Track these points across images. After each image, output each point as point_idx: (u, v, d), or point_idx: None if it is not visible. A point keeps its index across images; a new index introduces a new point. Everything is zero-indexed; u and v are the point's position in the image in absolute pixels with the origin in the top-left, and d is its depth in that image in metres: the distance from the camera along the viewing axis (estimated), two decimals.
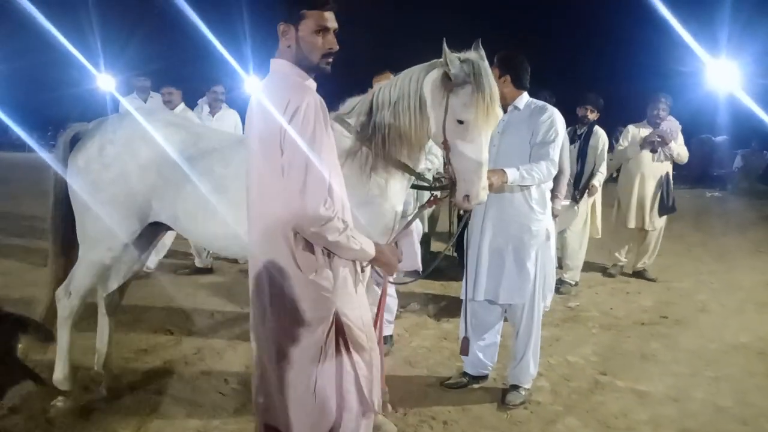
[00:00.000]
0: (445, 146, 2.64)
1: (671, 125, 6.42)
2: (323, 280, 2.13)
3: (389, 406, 3.34)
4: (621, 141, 6.74)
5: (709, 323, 5.22)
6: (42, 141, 23.95)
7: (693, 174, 17.22)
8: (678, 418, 3.44)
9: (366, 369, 2.29)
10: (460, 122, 2.58)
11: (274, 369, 2.18)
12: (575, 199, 5.99)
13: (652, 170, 6.50)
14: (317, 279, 2.11)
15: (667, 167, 6.54)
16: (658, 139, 6.34)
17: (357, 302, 2.26)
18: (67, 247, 3.24)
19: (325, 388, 2.17)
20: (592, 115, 6.16)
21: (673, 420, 3.42)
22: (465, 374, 3.79)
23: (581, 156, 6.08)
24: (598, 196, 6.33)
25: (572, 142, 6.05)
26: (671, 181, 6.58)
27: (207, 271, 6.45)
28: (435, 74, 2.67)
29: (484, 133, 2.61)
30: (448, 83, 2.62)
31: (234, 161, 2.91)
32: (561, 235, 6.09)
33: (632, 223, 6.62)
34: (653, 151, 6.40)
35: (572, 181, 5.92)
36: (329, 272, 2.14)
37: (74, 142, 3.17)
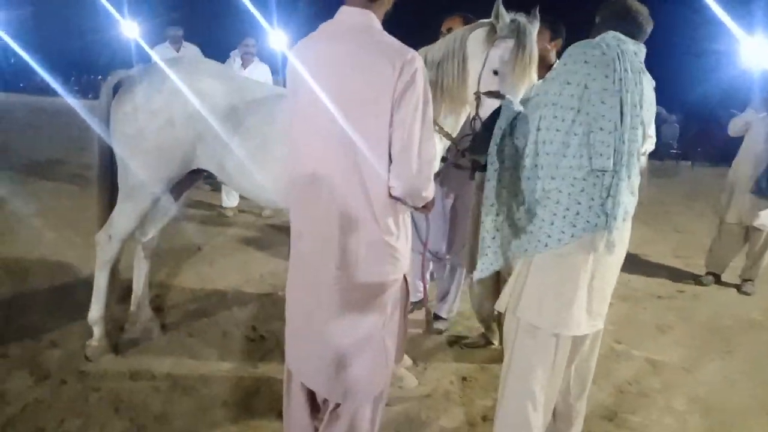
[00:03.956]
0: (477, 98, 2.77)
1: None
2: (401, 243, 2.08)
3: (409, 360, 3.49)
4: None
5: (725, 300, 5.29)
6: (66, 87, 24.07)
7: (719, 151, 16.98)
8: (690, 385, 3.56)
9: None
10: (495, 73, 2.72)
11: (338, 332, 2.09)
12: None
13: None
14: (396, 242, 2.05)
15: None
16: None
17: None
18: (115, 194, 3.26)
19: (389, 348, 2.16)
20: None
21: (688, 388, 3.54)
22: (484, 335, 3.90)
23: None
24: None
25: None
26: None
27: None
28: (480, 31, 2.83)
29: (516, 89, 2.70)
30: (492, 36, 2.76)
31: (280, 115, 2.95)
32: None
33: (735, 217, 5.62)
34: None
35: None
36: (405, 234, 2.11)
37: (116, 89, 3.17)
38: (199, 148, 3.08)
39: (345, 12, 1.98)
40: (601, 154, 2.20)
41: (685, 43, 18.74)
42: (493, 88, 2.72)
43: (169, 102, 3.02)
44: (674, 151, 18.55)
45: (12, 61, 27.33)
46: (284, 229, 6.24)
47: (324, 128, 1.95)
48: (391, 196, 1.97)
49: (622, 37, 2.31)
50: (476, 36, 2.82)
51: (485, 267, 2.57)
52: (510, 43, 2.69)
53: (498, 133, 2.43)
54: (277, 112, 2.97)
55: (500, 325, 3.56)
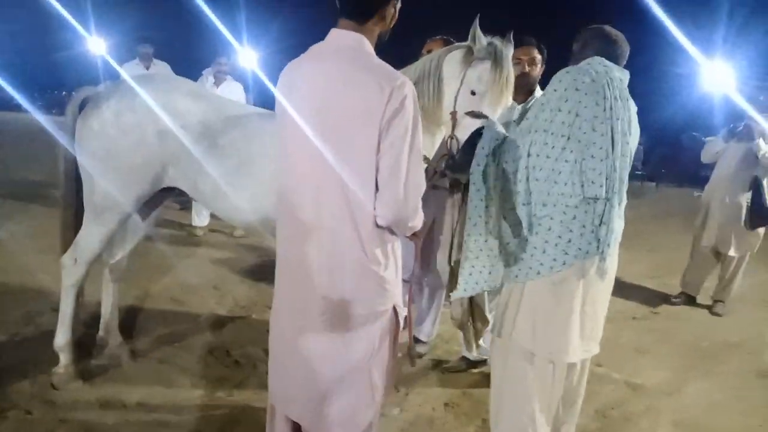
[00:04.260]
0: (453, 118, 2.75)
1: None
2: (389, 272, 1.99)
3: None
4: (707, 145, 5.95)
5: (700, 321, 5.32)
6: (30, 102, 23.56)
7: (684, 173, 17.36)
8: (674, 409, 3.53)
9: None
10: (473, 93, 2.72)
11: (323, 362, 2.00)
12: None
13: (742, 180, 5.47)
14: (384, 272, 1.96)
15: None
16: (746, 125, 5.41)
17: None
18: (80, 215, 3.12)
19: (376, 382, 2.06)
20: None
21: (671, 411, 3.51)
22: (464, 359, 3.84)
23: None
24: None
25: None
26: (762, 185, 5.37)
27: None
28: (457, 52, 2.83)
29: (493, 109, 2.72)
30: (469, 57, 2.77)
31: (258, 135, 2.87)
32: None
33: (708, 241, 5.66)
34: (742, 137, 5.45)
35: None
36: (394, 263, 2.02)
37: (82, 106, 3.04)
38: (172, 166, 2.97)
39: (335, 34, 1.93)
40: (593, 182, 2.20)
41: (647, 66, 19.25)
42: (471, 108, 2.72)
43: (142, 120, 2.91)
44: (639, 173, 18.95)
45: None
46: (257, 249, 6.13)
47: (311, 149, 1.87)
48: (377, 225, 1.90)
49: (607, 62, 2.33)
50: (453, 57, 2.82)
51: (469, 287, 2.54)
52: (487, 64, 2.71)
53: (481, 153, 2.40)
54: (254, 131, 2.90)
55: (477, 337, 3.51)
